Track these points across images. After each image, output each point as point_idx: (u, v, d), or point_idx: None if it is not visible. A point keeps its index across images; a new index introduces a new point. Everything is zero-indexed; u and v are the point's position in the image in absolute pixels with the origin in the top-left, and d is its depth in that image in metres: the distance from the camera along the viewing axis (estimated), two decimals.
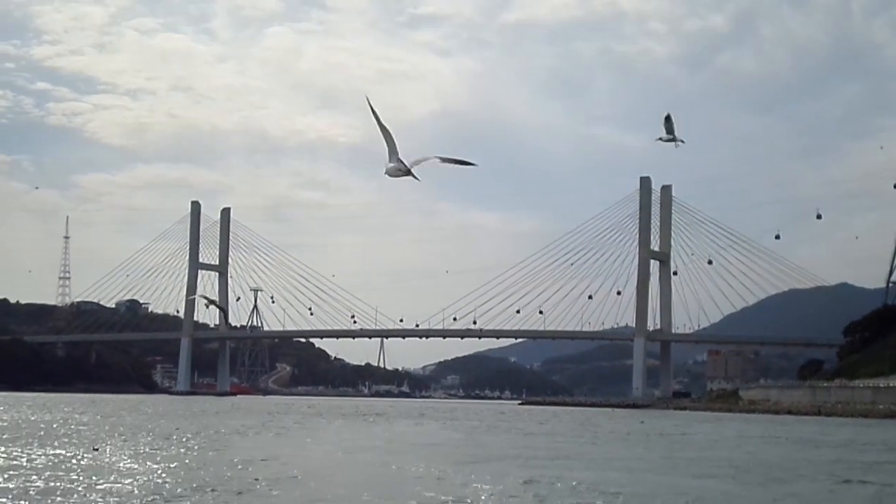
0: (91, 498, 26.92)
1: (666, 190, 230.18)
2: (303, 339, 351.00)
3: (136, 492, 29.54)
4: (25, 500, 26.50)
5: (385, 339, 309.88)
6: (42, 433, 59.43)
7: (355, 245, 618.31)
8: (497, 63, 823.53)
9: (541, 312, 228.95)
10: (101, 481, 31.51)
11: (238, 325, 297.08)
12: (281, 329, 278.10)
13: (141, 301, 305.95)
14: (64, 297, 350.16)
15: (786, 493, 32.82)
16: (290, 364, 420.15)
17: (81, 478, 32.43)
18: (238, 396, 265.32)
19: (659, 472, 39.99)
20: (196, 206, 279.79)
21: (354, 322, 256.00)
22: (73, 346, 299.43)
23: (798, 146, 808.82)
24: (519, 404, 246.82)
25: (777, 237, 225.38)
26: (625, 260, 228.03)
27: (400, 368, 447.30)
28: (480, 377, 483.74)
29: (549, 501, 30.10)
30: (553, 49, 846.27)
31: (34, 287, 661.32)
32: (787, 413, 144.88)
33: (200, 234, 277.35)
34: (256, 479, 34.09)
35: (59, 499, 26.80)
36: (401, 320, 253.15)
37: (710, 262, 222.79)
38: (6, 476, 32.46)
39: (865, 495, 33.08)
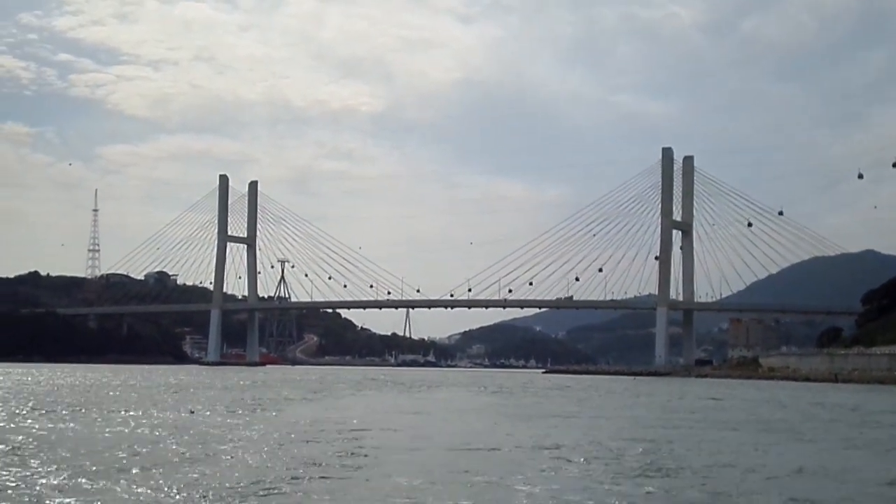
0: (221, 448, 31.52)
1: (688, 160, 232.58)
2: (330, 310, 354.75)
3: (257, 440, 34.41)
4: (182, 450, 30.90)
5: (411, 310, 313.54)
6: (132, 399, 64.56)
7: (380, 216, 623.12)
8: (520, 29, 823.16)
9: (577, 279, 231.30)
10: (220, 436, 36.10)
11: (266, 297, 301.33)
12: (308, 300, 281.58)
13: (169, 273, 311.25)
14: (93, 270, 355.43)
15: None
16: (317, 334, 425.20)
17: (197, 435, 36.80)
18: (267, 366, 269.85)
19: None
20: (224, 180, 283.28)
21: (387, 292, 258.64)
22: (104, 318, 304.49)
23: (824, 114, 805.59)
24: (543, 373, 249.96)
25: (780, 213, 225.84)
26: (647, 230, 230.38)
27: (426, 338, 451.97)
28: (506, 346, 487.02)
29: (605, 444, 34.55)
30: (576, 15, 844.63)
31: (62, 259, 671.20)
32: (805, 380, 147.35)
33: (228, 206, 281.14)
34: (361, 433, 38.43)
35: (200, 448, 31.33)
36: (417, 290, 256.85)
37: (749, 225, 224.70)
38: (142, 432, 37.10)
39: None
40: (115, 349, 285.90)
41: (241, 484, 23.19)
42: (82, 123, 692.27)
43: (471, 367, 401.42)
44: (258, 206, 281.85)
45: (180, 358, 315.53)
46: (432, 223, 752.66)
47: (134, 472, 25.06)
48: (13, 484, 22.83)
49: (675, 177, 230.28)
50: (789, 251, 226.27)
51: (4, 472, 24.70)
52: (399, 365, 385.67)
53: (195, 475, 24.58)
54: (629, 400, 79.96)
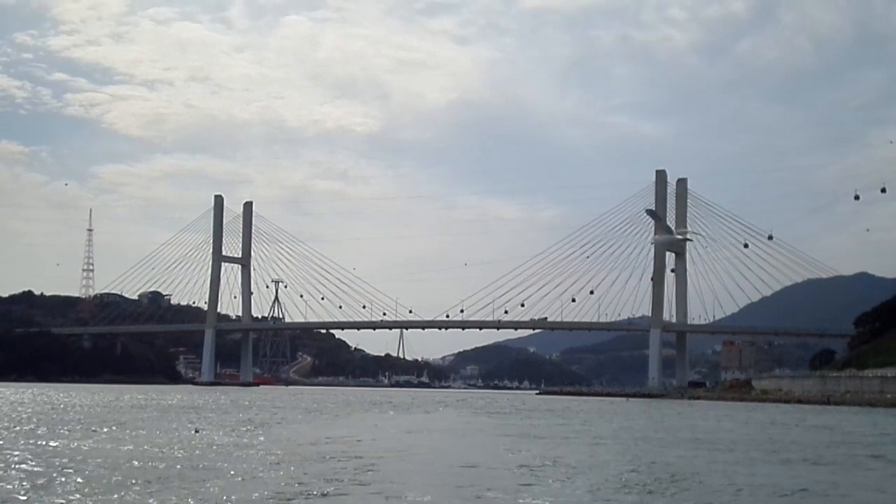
0: (232, 466, 32.40)
1: (682, 183, 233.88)
2: (324, 330, 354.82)
3: (266, 458, 35.40)
4: (195, 467, 31.81)
5: (405, 330, 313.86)
6: (136, 418, 65.66)
7: (374, 236, 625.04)
8: (515, 51, 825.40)
9: (573, 300, 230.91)
10: (229, 454, 37.06)
11: (260, 317, 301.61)
12: (302, 320, 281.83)
13: (163, 293, 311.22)
14: (88, 289, 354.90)
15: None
16: (310, 354, 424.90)
17: (207, 453, 37.73)
18: (261, 386, 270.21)
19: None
20: (219, 200, 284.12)
21: (383, 313, 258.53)
22: (98, 338, 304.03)
23: (819, 135, 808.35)
24: (537, 394, 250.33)
25: (770, 237, 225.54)
26: (641, 252, 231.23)
27: (419, 359, 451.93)
28: (499, 367, 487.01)
29: (605, 462, 35.30)
30: (571, 36, 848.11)
31: (56, 279, 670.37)
32: (797, 402, 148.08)
33: (223, 226, 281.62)
34: (364, 452, 39.23)
35: (206, 465, 32.17)
36: (410, 311, 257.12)
37: (746, 246, 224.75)
38: (153, 450, 37.92)
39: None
40: (108, 369, 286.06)
41: (258, 499, 23.97)
42: (77, 143, 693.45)
43: (464, 388, 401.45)
44: (252, 226, 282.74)
45: (174, 378, 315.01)
46: (427, 244, 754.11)
47: (153, 488, 25.87)
48: (38, 500, 23.56)
49: (669, 199, 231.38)
50: (783, 274, 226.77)
51: (30, 489, 25.46)
52: (393, 386, 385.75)
53: (213, 490, 25.46)
54: (624, 421, 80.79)
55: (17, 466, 30.85)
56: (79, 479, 27.35)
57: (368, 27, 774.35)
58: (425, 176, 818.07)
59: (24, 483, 26.48)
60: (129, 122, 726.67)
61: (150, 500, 23.69)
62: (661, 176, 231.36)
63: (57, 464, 31.74)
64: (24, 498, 23.88)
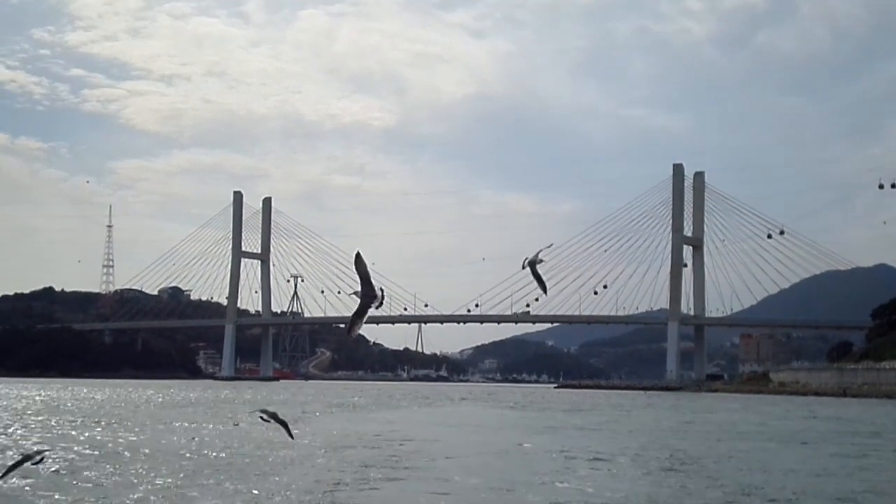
0: (281, 455, 34.31)
1: (699, 176, 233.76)
2: (342, 325, 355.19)
3: (310, 449, 37.35)
4: (248, 456, 33.78)
5: (423, 325, 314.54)
6: (176, 413, 68.25)
7: (391, 231, 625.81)
8: (532, 44, 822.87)
9: (595, 293, 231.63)
10: (275, 445, 38.27)
11: (279, 312, 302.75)
12: (321, 315, 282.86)
13: (183, 288, 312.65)
14: (108, 285, 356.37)
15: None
16: (329, 349, 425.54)
17: (255, 445, 39.30)
18: (281, 381, 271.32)
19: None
20: (238, 196, 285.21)
21: (403, 308, 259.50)
22: (119, 333, 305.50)
23: (838, 127, 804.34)
24: (555, 388, 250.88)
25: (781, 232, 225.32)
26: (659, 245, 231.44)
27: (438, 353, 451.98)
28: (518, 361, 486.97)
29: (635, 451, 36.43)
30: (589, 29, 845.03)
31: (76, 275, 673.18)
32: (814, 394, 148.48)
33: (242, 222, 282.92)
34: (402, 442, 41.01)
35: (260, 453, 34.06)
36: (426, 305, 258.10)
37: (769, 237, 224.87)
38: (204, 441, 40.14)
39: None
40: (129, 364, 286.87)
41: (318, 486, 25.75)
42: (95, 138, 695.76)
43: (483, 381, 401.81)
44: (272, 222, 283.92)
45: (194, 373, 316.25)
46: (444, 239, 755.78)
47: (212, 476, 27.69)
48: (99, 489, 24.90)
49: (686, 192, 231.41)
50: (801, 266, 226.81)
51: (95, 479, 27.21)
52: (412, 380, 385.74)
53: (275, 478, 27.19)
54: (644, 413, 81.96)
55: (82, 460, 32.51)
56: (145, 468, 29.09)
57: (385, 21, 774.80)
58: (442, 170, 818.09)
59: (100, 473, 28.09)
60: (147, 118, 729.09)
61: (227, 484, 25.19)
62: (678, 170, 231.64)
63: (123, 454, 33.36)
64: (107, 483, 25.42)
